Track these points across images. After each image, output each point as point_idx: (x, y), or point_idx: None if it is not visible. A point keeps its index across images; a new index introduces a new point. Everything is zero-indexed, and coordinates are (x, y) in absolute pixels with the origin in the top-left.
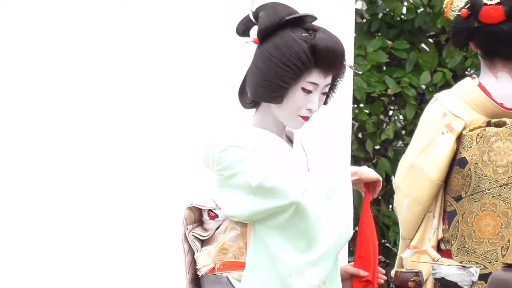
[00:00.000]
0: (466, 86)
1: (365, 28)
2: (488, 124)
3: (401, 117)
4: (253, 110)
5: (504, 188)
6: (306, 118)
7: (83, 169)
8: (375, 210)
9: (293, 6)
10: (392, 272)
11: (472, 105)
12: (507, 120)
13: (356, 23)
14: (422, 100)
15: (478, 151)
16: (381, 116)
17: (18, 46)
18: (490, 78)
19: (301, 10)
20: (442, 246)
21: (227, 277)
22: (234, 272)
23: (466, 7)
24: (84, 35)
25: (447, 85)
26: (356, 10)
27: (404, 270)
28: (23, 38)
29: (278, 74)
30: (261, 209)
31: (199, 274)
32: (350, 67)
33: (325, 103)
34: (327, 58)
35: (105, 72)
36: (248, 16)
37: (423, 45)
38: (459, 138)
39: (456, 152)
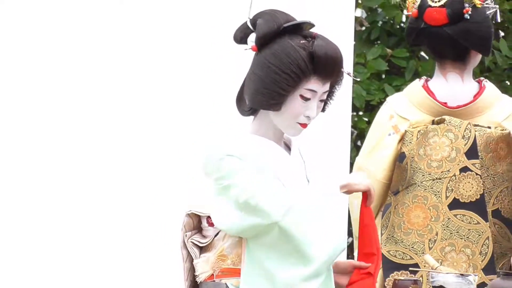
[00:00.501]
0: (413, 87)
1: (364, 36)
2: (432, 123)
3: None
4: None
5: (437, 182)
6: (304, 125)
7: (82, 173)
8: None
9: (292, 13)
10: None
11: (418, 105)
12: (447, 117)
13: (355, 31)
14: None
15: (416, 146)
16: None
17: (18, 46)
18: (440, 79)
19: (300, 18)
20: None
21: (225, 284)
22: (233, 279)
23: (416, 7)
24: (84, 35)
25: None
26: (356, 18)
27: (402, 278)
28: (23, 38)
29: (276, 81)
30: (246, 226)
31: (197, 280)
32: (348, 74)
33: (323, 110)
34: (325, 65)
35: (105, 72)
36: (245, 23)
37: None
38: (404, 134)
39: (400, 150)
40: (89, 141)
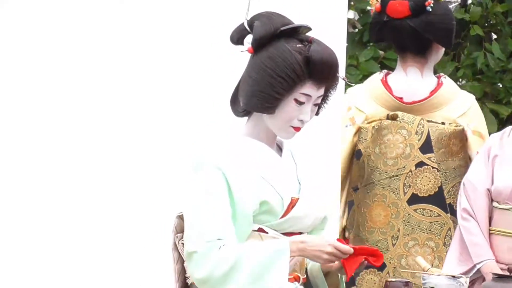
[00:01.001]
0: (372, 80)
1: (357, 38)
2: (387, 117)
3: None
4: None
5: (394, 179)
6: (297, 129)
7: (73, 171)
8: None
9: (285, 15)
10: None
11: (375, 98)
12: (399, 114)
13: (348, 33)
14: None
15: (372, 144)
16: None
17: (18, 46)
18: (400, 72)
19: (294, 19)
20: (346, 234)
21: None
22: None
23: (379, 2)
24: (84, 35)
25: None
26: (348, 20)
27: (394, 279)
28: (23, 38)
29: (271, 85)
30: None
31: (188, 282)
32: (343, 79)
33: (317, 113)
34: (321, 70)
35: (104, 73)
36: (242, 24)
37: None
38: (359, 131)
39: (356, 144)
40: (85, 139)
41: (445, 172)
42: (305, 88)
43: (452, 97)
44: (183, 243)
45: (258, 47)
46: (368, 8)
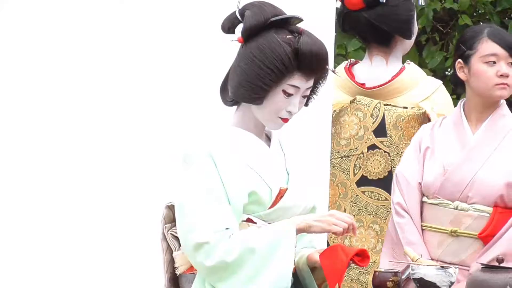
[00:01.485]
0: (338, 68)
1: None
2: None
3: None
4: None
5: (345, 159)
6: (285, 120)
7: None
8: None
9: (273, 4)
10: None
11: (340, 86)
12: (358, 97)
13: (336, 22)
14: None
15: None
16: None
17: (18, 46)
18: (366, 61)
19: (283, 9)
20: None
21: None
22: None
23: None
24: (84, 35)
25: None
26: (337, 9)
27: (383, 270)
28: (23, 38)
29: (259, 75)
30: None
31: (177, 273)
32: (333, 71)
33: (306, 104)
34: (310, 62)
35: (104, 73)
36: (234, 13)
37: None
38: None
39: None
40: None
41: (399, 157)
42: (293, 79)
43: (415, 82)
44: (172, 234)
45: (248, 37)
46: None
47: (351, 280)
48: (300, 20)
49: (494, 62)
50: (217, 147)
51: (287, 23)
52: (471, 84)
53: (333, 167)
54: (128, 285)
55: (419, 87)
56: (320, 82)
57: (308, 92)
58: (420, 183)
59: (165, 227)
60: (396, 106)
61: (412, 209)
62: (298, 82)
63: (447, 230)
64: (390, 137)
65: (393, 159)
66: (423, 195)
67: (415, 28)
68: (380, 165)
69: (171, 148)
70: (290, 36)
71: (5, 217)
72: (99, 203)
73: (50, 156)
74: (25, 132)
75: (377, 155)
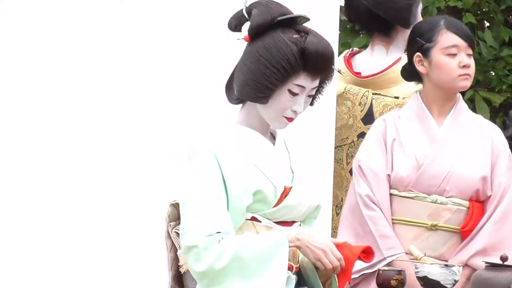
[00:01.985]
0: (337, 59)
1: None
2: None
3: None
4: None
5: (338, 150)
6: (290, 119)
7: (68, 163)
8: None
9: (278, 2)
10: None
11: (338, 76)
12: (347, 86)
13: (340, 20)
14: None
15: None
16: None
17: (18, 46)
18: (368, 50)
19: (287, 6)
20: None
21: None
22: None
23: None
24: (84, 35)
25: None
26: (341, 7)
27: (387, 268)
28: (23, 38)
29: (265, 75)
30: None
31: (181, 271)
32: (338, 71)
33: (311, 104)
34: (315, 62)
35: (109, 72)
36: (241, 11)
37: None
38: None
39: None
40: (74, 132)
41: None
42: (299, 79)
43: None
44: (176, 232)
45: (254, 35)
46: None
47: None
48: (307, 19)
49: (455, 54)
50: (222, 146)
51: (293, 22)
52: (431, 77)
53: None
54: (133, 283)
55: None
56: (326, 82)
57: (313, 92)
58: (389, 175)
59: (170, 225)
60: (385, 96)
61: (383, 201)
62: (304, 81)
63: (426, 224)
64: None
65: None
66: (391, 187)
67: (417, 19)
68: None
69: (176, 146)
70: (296, 36)
71: (16, 214)
72: (104, 201)
73: (53, 155)
74: (32, 132)
75: None
